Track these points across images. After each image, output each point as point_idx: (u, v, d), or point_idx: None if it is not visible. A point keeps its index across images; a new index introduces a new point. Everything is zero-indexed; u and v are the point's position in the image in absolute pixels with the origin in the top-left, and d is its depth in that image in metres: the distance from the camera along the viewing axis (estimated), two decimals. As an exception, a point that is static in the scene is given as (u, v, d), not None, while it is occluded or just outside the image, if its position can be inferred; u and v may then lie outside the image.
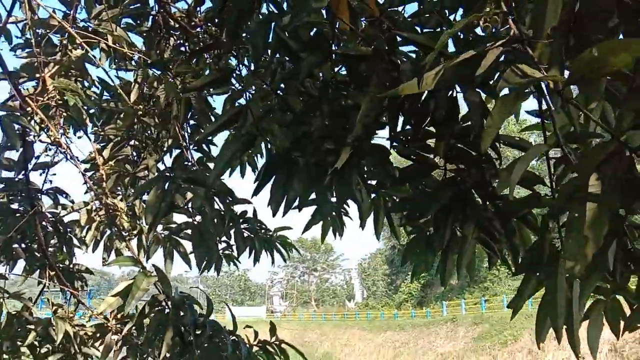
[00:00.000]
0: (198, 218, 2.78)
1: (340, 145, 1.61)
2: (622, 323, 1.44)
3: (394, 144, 1.55)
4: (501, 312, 27.25)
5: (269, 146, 1.68)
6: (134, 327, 2.36)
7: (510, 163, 1.37)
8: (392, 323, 35.61)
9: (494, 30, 1.51)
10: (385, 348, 32.88)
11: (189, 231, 2.45)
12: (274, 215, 1.69)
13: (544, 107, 1.22)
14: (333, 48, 1.46)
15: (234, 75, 1.85)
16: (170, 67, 2.06)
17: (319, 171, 1.71)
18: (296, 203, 1.73)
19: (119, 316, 2.38)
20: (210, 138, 2.96)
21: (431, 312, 34.23)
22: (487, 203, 1.53)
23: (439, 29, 1.58)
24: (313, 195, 1.83)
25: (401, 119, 1.49)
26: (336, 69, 1.54)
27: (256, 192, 1.70)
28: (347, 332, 38.20)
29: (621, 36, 0.93)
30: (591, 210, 0.77)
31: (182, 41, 2.66)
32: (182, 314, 2.16)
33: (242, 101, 1.92)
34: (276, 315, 56.56)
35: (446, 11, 1.47)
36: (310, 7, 1.19)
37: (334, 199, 2.00)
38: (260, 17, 1.45)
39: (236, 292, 78.53)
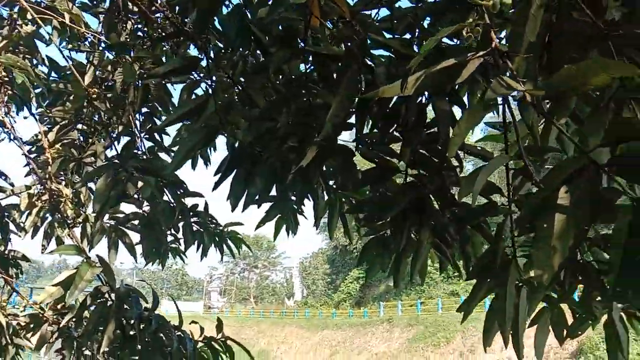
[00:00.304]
0: (146, 208, 2.69)
1: (305, 143, 1.60)
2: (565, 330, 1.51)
3: (359, 146, 1.56)
4: (435, 314, 28.10)
5: (230, 140, 1.64)
6: (72, 319, 2.26)
7: (472, 172, 1.41)
8: (329, 322, 35.94)
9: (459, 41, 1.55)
10: (322, 346, 33.16)
11: (136, 222, 2.37)
12: (233, 209, 1.66)
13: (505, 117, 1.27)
14: (305, 46, 1.45)
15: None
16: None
17: (282, 168, 1.70)
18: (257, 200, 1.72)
19: (59, 307, 2.26)
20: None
21: (368, 312, 34.80)
22: (445, 209, 1.57)
23: (409, 35, 1.61)
24: (273, 192, 1.82)
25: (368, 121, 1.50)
26: (306, 67, 1.52)
27: (216, 185, 1.66)
28: (285, 330, 38.24)
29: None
30: (560, 222, 0.80)
31: (140, 25, 2.57)
32: (126, 307, 2.08)
33: (200, 92, 1.88)
34: (213, 311, 55.78)
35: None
36: (288, 2, 1.17)
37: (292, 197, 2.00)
38: (231, 7, 1.42)
39: (173, 286, 76.76)
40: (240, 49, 1.70)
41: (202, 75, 1.76)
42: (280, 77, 1.58)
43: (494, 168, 1.31)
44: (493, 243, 1.49)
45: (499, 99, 1.28)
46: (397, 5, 1.93)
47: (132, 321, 2.03)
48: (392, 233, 1.69)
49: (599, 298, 1.37)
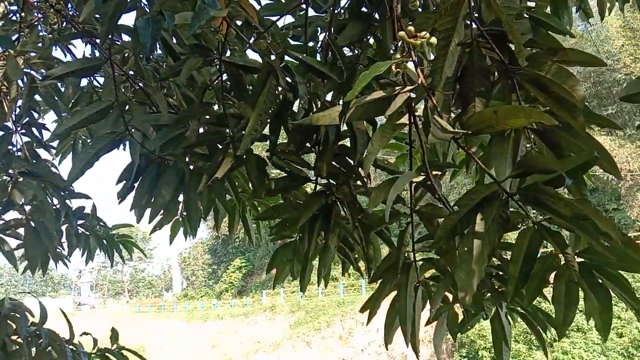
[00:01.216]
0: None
1: (217, 151, 1.58)
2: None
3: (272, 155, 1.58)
4: (316, 299, 28.94)
5: (134, 146, 1.57)
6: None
7: (381, 184, 1.50)
8: (211, 313, 35.40)
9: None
10: (204, 338, 32.60)
11: (19, 229, 2.16)
12: (138, 221, 1.59)
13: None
14: (220, 54, 1.43)
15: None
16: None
17: (192, 176, 1.66)
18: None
19: None
20: (43, 122, 2.64)
21: (251, 301, 34.85)
22: (352, 216, 1.65)
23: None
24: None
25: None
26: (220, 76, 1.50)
27: (121, 196, 1.58)
28: (164, 323, 36.96)
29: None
30: (477, 247, 0.90)
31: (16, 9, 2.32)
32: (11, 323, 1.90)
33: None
34: (84, 308, 52.13)
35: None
36: (209, 14, 1.15)
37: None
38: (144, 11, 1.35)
39: (36, 282, 70.30)
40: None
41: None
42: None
43: (405, 182, 1.41)
44: (396, 248, 1.59)
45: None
46: (301, 13, 1.99)
47: (18, 338, 1.86)
48: (301, 239, 1.74)
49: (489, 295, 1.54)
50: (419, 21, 1.00)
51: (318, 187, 1.69)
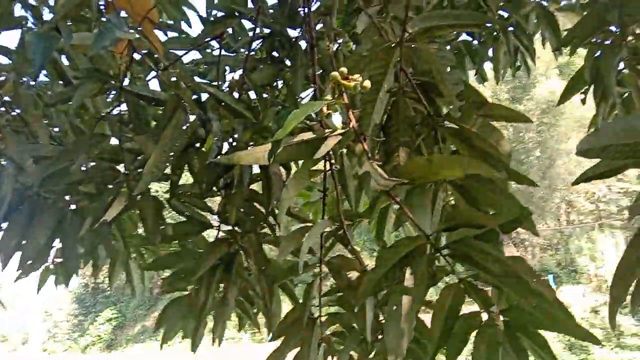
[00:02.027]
0: None
1: (105, 189, 1.40)
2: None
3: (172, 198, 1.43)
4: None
5: (6, 181, 1.33)
6: None
7: (292, 233, 1.41)
8: (73, 370, 31.87)
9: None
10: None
11: None
12: (3, 267, 1.33)
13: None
14: (121, 83, 1.28)
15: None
16: None
17: (73, 217, 1.44)
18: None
19: None
20: None
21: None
22: (258, 267, 1.53)
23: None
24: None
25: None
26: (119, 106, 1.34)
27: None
28: (15, 383, 32.47)
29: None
30: (407, 305, 0.84)
31: None
32: None
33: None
34: None
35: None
36: (114, 35, 1.02)
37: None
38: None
39: None
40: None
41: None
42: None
43: (319, 232, 1.34)
44: (303, 302, 1.50)
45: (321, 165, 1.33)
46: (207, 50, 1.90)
47: None
48: (196, 292, 1.57)
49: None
50: (349, 64, 0.96)
51: (220, 234, 1.56)
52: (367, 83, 0.87)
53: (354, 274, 1.47)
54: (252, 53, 1.51)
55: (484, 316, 0.95)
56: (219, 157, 0.84)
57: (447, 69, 0.90)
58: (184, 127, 1.22)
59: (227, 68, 1.80)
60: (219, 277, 1.57)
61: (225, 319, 1.61)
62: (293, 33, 1.89)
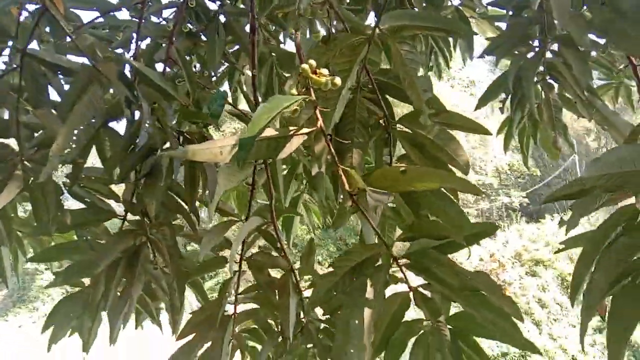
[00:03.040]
0: None
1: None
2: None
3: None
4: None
5: None
6: None
7: (214, 228, 1.30)
8: None
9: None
10: None
11: None
12: None
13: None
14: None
15: None
16: None
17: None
18: None
19: None
20: None
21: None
22: (171, 262, 1.39)
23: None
24: None
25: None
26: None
27: None
28: None
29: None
30: (368, 318, 0.80)
31: None
32: None
33: None
34: None
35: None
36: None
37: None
38: None
39: None
40: None
41: None
42: None
43: (250, 228, 1.25)
44: (219, 298, 1.40)
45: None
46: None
47: None
48: (94, 288, 1.39)
49: None
50: (312, 55, 0.88)
51: (125, 225, 1.39)
52: (338, 80, 0.80)
53: (277, 272, 1.40)
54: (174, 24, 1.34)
55: (426, 323, 0.94)
56: (166, 150, 0.71)
57: (418, 73, 0.85)
58: (99, 105, 1.04)
59: (134, 35, 1.61)
60: (122, 272, 1.41)
61: (127, 317, 1.45)
62: (212, 6, 1.75)
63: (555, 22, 1.50)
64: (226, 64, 2.09)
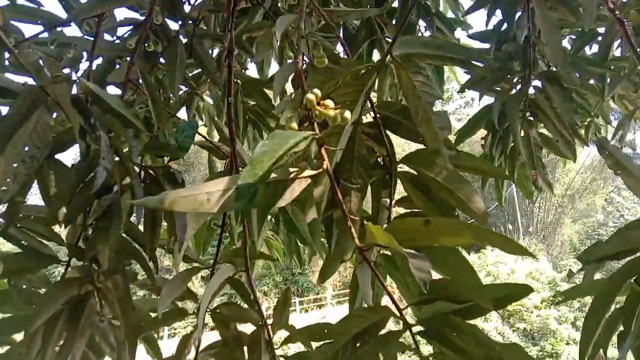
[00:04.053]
0: None
1: None
2: None
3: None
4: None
5: None
6: None
7: (176, 278, 1.13)
8: None
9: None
10: None
11: None
12: None
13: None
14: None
15: None
16: None
17: None
18: None
19: None
20: None
21: None
22: (122, 316, 1.19)
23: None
24: None
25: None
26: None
27: None
28: None
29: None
30: None
31: None
32: None
33: None
34: None
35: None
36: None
37: None
38: None
39: None
40: None
41: None
42: None
43: (220, 281, 1.08)
44: (176, 356, 1.22)
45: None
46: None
47: None
48: (28, 346, 1.17)
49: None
50: (312, 83, 0.75)
51: (69, 272, 1.19)
52: (348, 114, 0.68)
53: (246, 327, 1.23)
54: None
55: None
56: (142, 199, 0.55)
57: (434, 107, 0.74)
58: (46, 134, 0.86)
59: (85, 54, 1.43)
60: (63, 326, 1.20)
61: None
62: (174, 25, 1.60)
63: (539, 58, 1.45)
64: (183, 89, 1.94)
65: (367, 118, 0.90)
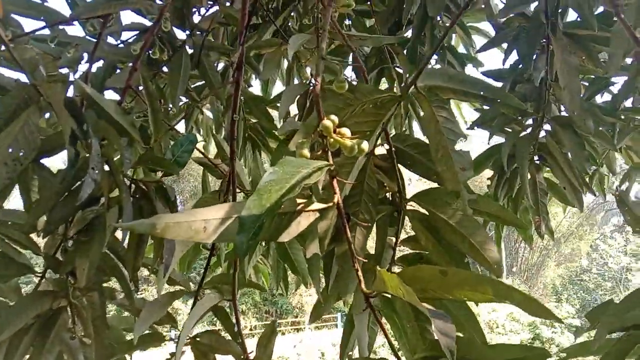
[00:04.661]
0: None
1: None
2: None
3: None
4: None
5: None
6: None
7: (158, 300, 1.05)
8: None
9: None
10: None
11: None
12: None
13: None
14: None
15: None
16: None
17: None
18: None
19: None
20: None
21: None
22: (96, 335, 1.11)
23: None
24: None
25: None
26: None
27: None
28: None
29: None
30: None
31: None
32: None
33: None
34: None
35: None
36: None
37: None
38: None
39: None
40: None
41: None
42: None
43: (202, 311, 1.01)
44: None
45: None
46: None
47: None
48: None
49: None
50: (327, 109, 0.69)
51: (43, 284, 1.11)
52: (365, 145, 0.62)
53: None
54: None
55: None
56: (131, 223, 0.49)
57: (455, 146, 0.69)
58: (35, 134, 0.80)
59: (85, 55, 1.38)
60: (30, 340, 1.12)
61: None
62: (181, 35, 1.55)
63: (553, 101, 1.42)
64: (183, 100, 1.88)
65: (378, 149, 0.84)
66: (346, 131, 0.63)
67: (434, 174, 0.78)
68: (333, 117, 0.62)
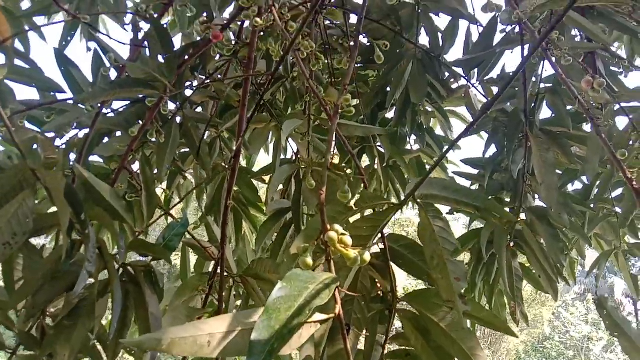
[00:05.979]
0: None
1: None
2: None
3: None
4: None
5: None
6: None
7: None
8: None
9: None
10: None
11: None
12: None
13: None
14: None
15: None
16: None
17: None
18: None
19: None
20: None
21: None
22: None
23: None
24: None
25: None
26: None
27: None
28: None
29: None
30: None
31: None
32: None
33: None
34: None
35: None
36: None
37: None
38: None
39: None
40: None
41: None
42: None
43: None
44: None
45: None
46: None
47: None
48: None
49: None
50: (330, 213, 0.72)
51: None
52: (368, 257, 0.64)
53: None
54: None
55: None
56: (139, 339, 0.48)
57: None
58: (28, 216, 0.79)
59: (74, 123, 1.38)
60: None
61: None
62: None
63: (529, 191, 1.48)
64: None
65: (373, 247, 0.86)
66: (348, 240, 0.65)
67: (423, 274, 0.80)
68: (337, 227, 0.64)
